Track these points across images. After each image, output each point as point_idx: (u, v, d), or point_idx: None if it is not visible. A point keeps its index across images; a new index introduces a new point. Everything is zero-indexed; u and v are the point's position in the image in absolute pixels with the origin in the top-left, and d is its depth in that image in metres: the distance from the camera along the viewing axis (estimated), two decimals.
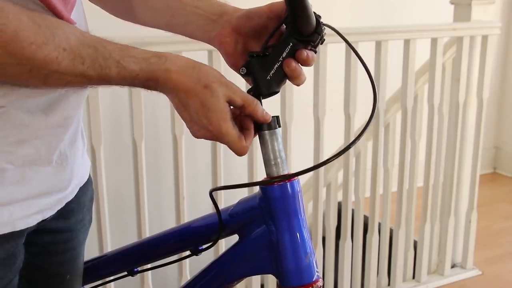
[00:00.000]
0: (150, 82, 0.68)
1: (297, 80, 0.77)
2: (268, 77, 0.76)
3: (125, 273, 0.94)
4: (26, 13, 0.59)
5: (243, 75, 0.77)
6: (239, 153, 0.73)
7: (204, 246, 0.88)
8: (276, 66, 0.75)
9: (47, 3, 0.65)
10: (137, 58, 0.67)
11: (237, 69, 0.80)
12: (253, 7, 0.79)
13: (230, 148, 0.72)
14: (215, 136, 0.71)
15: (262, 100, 0.77)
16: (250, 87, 0.77)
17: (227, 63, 0.83)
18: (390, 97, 2.19)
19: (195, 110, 0.69)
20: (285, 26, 0.77)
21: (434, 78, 2.09)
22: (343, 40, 0.81)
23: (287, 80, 0.78)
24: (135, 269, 0.94)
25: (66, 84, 0.64)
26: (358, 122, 2.06)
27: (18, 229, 0.72)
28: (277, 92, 0.77)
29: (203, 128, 0.71)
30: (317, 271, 0.76)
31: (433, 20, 2.33)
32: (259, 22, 0.79)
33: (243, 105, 0.72)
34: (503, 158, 3.75)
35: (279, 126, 0.77)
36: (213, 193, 0.81)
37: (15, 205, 0.71)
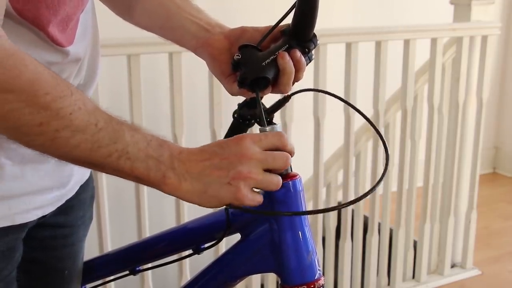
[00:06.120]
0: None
1: (287, 76, 0.75)
2: (263, 64, 0.75)
3: (127, 272, 0.94)
4: (47, 70, 0.59)
5: (235, 62, 0.76)
6: (278, 185, 0.69)
7: (206, 245, 0.88)
8: (271, 57, 0.75)
9: (44, 30, 0.65)
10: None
11: (220, 73, 0.81)
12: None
13: (269, 187, 0.68)
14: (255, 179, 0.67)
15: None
16: (242, 72, 0.76)
17: (210, 68, 0.83)
18: (390, 97, 2.19)
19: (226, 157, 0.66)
20: (281, 38, 0.77)
21: (434, 78, 2.09)
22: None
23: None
24: (137, 268, 0.94)
25: (74, 148, 0.60)
26: (358, 122, 2.06)
27: (17, 223, 0.73)
28: (268, 80, 0.75)
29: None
30: (319, 270, 0.76)
31: (433, 20, 2.33)
32: (254, 35, 0.80)
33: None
34: (503, 158, 3.75)
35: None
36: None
37: (14, 200, 0.72)
